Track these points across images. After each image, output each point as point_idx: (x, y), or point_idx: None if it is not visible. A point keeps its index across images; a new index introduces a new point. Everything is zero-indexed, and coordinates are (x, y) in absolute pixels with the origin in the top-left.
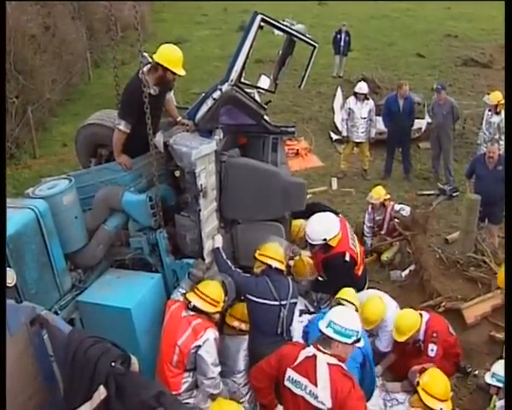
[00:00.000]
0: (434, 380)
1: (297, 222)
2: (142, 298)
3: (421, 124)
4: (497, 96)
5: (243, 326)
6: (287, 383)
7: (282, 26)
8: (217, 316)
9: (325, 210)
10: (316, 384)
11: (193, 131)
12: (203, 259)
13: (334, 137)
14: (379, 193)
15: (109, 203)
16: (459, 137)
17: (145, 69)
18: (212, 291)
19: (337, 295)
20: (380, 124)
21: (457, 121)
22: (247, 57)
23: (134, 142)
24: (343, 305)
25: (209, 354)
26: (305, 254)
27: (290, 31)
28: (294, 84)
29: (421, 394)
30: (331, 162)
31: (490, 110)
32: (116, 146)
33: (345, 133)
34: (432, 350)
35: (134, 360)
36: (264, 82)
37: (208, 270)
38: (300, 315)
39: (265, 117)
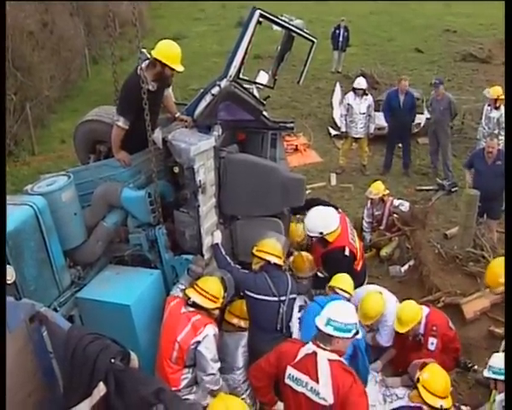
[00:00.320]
0: (434, 377)
1: (295, 226)
2: (142, 294)
3: (420, 119)
4: (498, 91)
5: (242, 323)
6: (287, 381)
7: (280, 22)
8: (216, 312)
9: (325, 205)
10: (317, 381)
11: (191, 127)
12: (202, 255)
13: (333, 132)
14: (378, 188)
15: (108, 200)
16: (458, 132)
17: (143, 65)
18: (212, 287)
19: (330, 283)
20: (378, 119)
21: (455, 117)
22: (245, 53)
23: (133, 138)
24: (337, 294)
25: (208, 350)
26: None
27: (289, 26)
28: (293, 80)
29: (421, 391)
30: (330, 158)
31: (489, 105)
32: (115, 142)
33: (343, 129)
34: (432, 344)
35: (133, 356)
36: (263, 78)
37: (207, 266)
38: (300, 311)
39: (264, 113)
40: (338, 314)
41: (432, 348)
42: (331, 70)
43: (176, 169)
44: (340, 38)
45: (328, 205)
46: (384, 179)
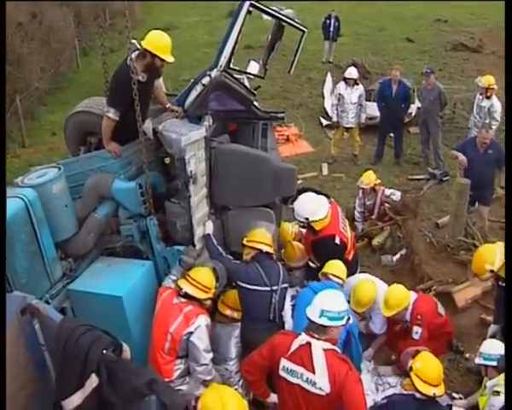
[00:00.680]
0: (427, 365)
1: (286, 225)
2: (134, 286)
3: (411, 109)
4: (489, 80)
5: (235, 315)
6: (281, 373)
7: (270, 11)
8: (208, 302)
9: (317, 194)
10: (313, 371)
11: (182, 118)
12: (194, 245)
13: (325, 122)
14: (369, 178)
15: (99, 191)
16: (449, 121)
17: (133, 56)
18: (204, 278)
19: (323, 270)
20: (370, 109)
21: (445, 107)
22: (236, 43)
23: (123, 129)
24: (330, 280)
25: (201, 340)
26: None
27: (279, 16)
28: (284, 70)
29: (414, 379)
30: (321, 148)
31: (481, 94)
32: (105, 134)
33: (335, 119)
34: (416, 333)
35: (125, 347)
36: (254, 67)
37: (199, 256)
38: (292, 300)
39: (255, 103)
40: (330, 304)
41: (416, 337)
42: (322, 60)
43: (167, 160)
44: (331, 28)
45: (320, 194)
46: (375, 169)
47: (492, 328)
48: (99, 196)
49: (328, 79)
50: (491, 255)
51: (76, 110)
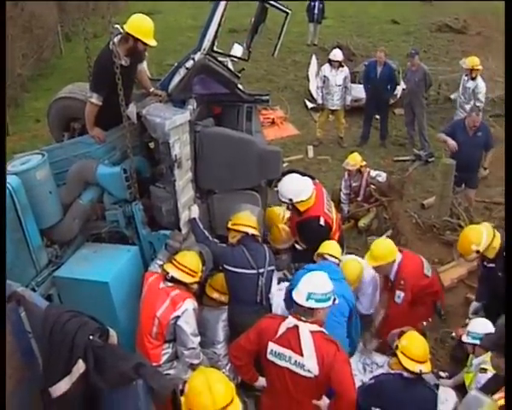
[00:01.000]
0: (413, 343)
1: (276, 209)
2: (120, 271)
3: (396, 90)
4: (473, 61)
5: (223, 298)
6: (269, 357)
7: None
8: (195, 286)
9: (302, 175)
10: (301, 354)
11: (166, 102)
12: (180, 230)
13: (310, 105)
14: (355, 160)
15: (83, 177)
16: (434, 102)
17: (116, 40)
18: (190, 262)
19: (319, 250)
20: (355, 91)
21: (430, 88)
22: (219, 25)
23: (107, 114)
24: (326, 260)
25: (188, 324)
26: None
27: None
28: (269, 53)
29: (401, 357)
30: (307, 130)
31: (466, 75)
32: (88, 119)
33: (320, 101)
34: (398, 297)
35: (112, 332)
36: (238, 50)
37: (185, 241)
38: (279, 283)
39: (239, 85)
40: (316, 286)
41: (398, 301)
42: (307, 43)
43: (151, 144)
44: (316, 11)
45: (305, 176)
46: (361, 151)
47: (474, 305)
48: (83, 181)
49: (313, 61)
50: (477, 236)
51: (59, 96)
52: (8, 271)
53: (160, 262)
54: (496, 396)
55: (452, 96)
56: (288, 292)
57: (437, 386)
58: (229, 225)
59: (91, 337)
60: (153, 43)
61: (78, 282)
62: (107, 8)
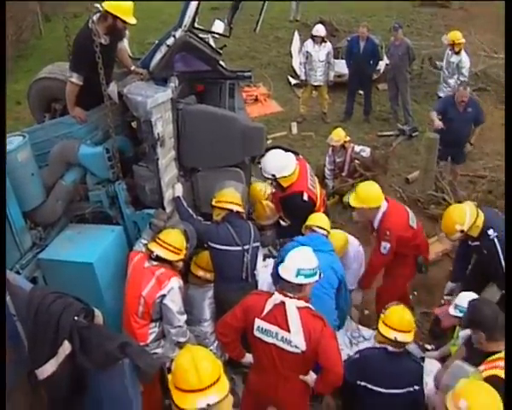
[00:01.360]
0: (394, 312)
1: (258, 185)
2: (104, 252)
3: (379, 65)
4: (455, 35)
5: (208, 276)
6: (256, 333)
7: None
8: (180, 264)
9: (286, 151)
10: (288, 330)
11: (147, 80)
12: (164, 208)
13: (293, 81)
14: (339, 135)
15: (65, 158)
16: (417, 77)
17: (95, 18)
18: (174, 240)
19: (307, 222)
20: (338, 67)
21: (413, 62)
22: (199, 2)
23: (88, 94)
24: (315, 232)
25: (174, 302)
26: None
27: None
28: (251, 30)
29: (380, 325)
30: (290, 107)
31: (450, 49)
32: (69, 99)
33: (303, 77)
34: (384, 248)
35: (97, 312)
36: (219, 27)
37: (169, 219)
38: (264, 259)
39: (221, 62)
40: (304, 262)
41: (384, 252)
42: (289, 19)
43: (134, 123)
44: None
45: (289, 151)
46: (345, 126)
47: (450, 285)
48: (66, 162)
49: (296, 37)
50: (460, 215)
51: (39, 77)
52: None
53: (145, 241)
54: (481, 368)
55: (438, 63)
56: (276, 266)
57: (422, 359)
58: (214, 203)
59: (76, 318)
60: (132, 20)
61: (63, 263)
62: None
